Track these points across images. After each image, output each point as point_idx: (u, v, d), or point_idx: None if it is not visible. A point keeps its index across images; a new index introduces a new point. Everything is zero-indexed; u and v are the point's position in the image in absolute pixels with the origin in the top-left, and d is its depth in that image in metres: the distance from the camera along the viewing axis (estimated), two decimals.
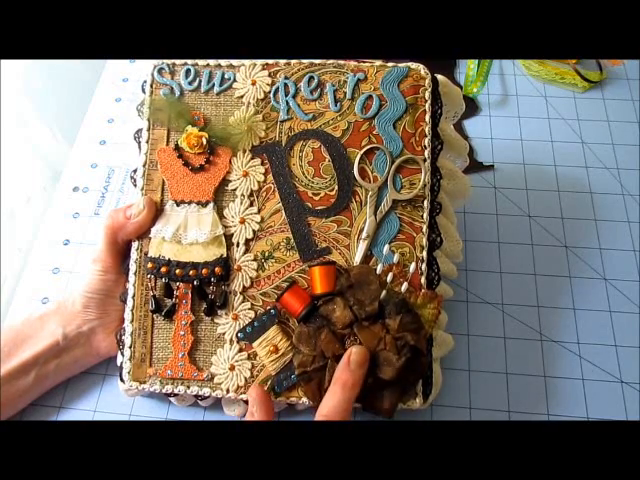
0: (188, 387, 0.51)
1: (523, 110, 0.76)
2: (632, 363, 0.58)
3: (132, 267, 0.52)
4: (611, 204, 0.68)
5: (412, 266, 0.50)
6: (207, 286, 0.51)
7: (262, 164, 0.53)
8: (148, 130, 0.54)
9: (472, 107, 0.75)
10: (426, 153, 0.51)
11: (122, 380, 0.52)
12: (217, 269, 0.51)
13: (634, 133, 0.73)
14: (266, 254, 0.52)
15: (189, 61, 0.54)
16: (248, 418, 0.47)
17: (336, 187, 0.52)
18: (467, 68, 0.79)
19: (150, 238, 0.53)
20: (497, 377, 0.58)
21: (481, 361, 0.58)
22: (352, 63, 0.53)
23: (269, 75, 0.54)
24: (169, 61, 0.55)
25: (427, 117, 0.52)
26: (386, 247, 0.50)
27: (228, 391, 0.50)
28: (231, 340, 0.51)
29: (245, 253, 0.52)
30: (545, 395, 0.56)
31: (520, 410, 0.56)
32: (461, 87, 0.78)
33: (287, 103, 0.53)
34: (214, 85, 0.54)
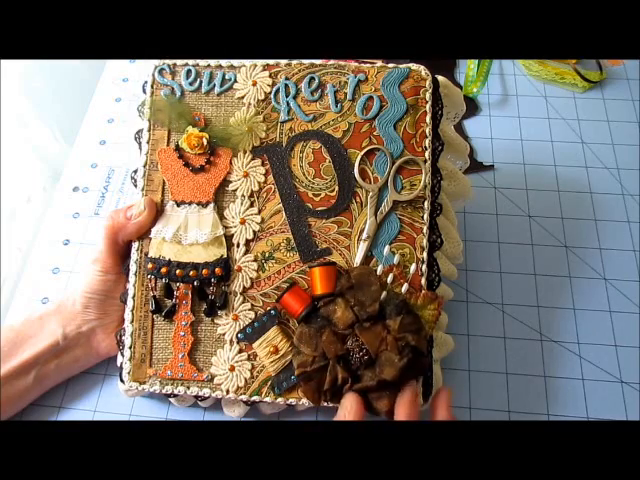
0: (188, 388, 0.51)
1: (523, 110, 0.76)
2: (632, 363, 0.58)
3: (132, 267, 0.52)
4: (611, 204, 0.68)
5: (412, 267, 0.50)
6: (207, 287, 0.51)
7: (263, 165, 0.53)
8: (149, 131, 0.54)
9: (472, 107, 0.76)
10: (427, 154, 0.51)
11: (122, 380, 0.52)
12: (217, 270, 0.51)
13: (634, 133, 0.73)
14: (266, 255, 0.52)
15: (190, 62, 0.54)
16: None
17: (336, 188, 0.52)
18: (467, 68, 0.79)
19: (150, 238, 0.53)
20: (497, 377, 0.58)
21: (481, 361, 0.59)
22: (353, 64, 0.53)
23: (270, 76, 0.54)
24: (170, 62, 0.54)
25: (428, 118, 0.52)
26: (386, 248, 0.50)
27: (228, 392, 0.50)
28: (231, 341, 0.51)
29: (245, 254, 0.52)
30: (545, 395, 0.57)
31: (520, 410, 0.56)
32: (461, 87, 0.78)
33: (288, 104, 0.53)
34: (215, 86, 0.54)
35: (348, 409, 0.46)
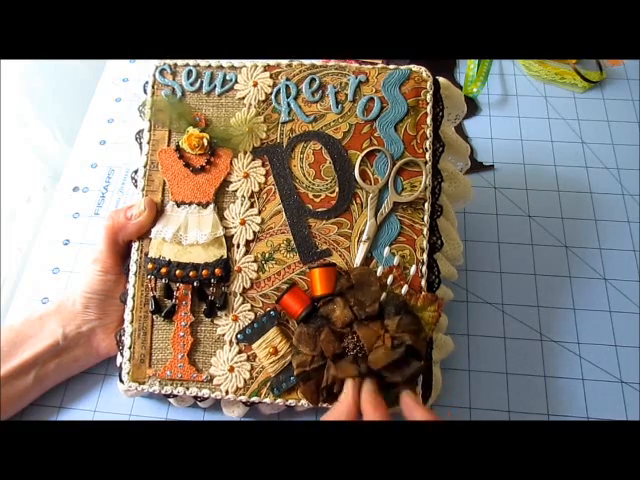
0: (187, 388, 0.51)
1: (523, 110, 0.76)
2: (632, 363, 0.58)
3: (132, 268, 0.53)
4: (611, 204, 0.68)
5: (412, 269, 0.50)
6: (207, 287, 0.51)
7: (263, 165, 0.53)
8: (149, 131, 0.54)
9: (472, 107, 0.75)
10: (427, 156, 0.51)
11: (121, 381, 0.52)
12: (217, 270, 0.51)
13: (634, 133, 0.73)
14: (266, 255, 0.52)
15: (191, 62, 0.54)
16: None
17: (337, 189, 0.52)
18: (467, 68, 0.79)
19: (150, 239, 0.53)
20: (497, 377, 0.58)
21: (481, 361, 0.59)
22: (354, 65, 0.53)
23: (270, 77, 0.54)
24: (171, 62, 0.54)
25: (428, 120, 0.51)
26: (386, 249, 0.50)
27: (227, 392, 0.50)
28: (231, 341, 0.51)
29: (245, 254, 0.52)
30: (545, 395, 0.57)
31: (520, 410, 0.56)
32: (461, 87, 0.78)
33: (288, 105, 0.53)
34: (215, 86, 0.54)
35: (346, 391, 0.46)
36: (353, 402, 0.45)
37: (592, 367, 0.58)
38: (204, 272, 0.51)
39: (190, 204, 0.53)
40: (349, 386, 0.46)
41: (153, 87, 0.55)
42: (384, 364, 0.46)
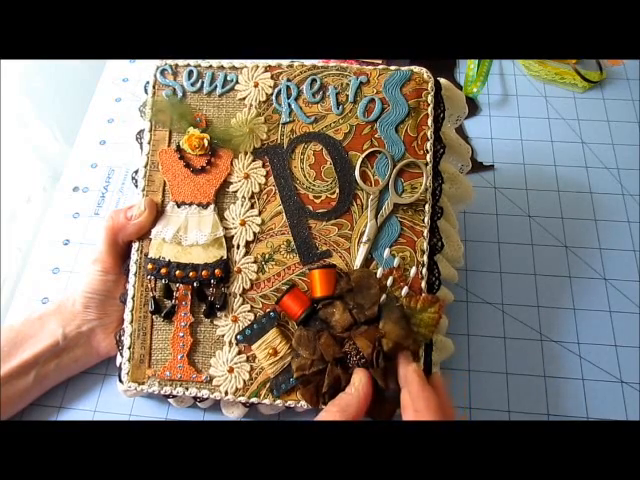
0: (187, 389, 0.51)
1: (523, 110, 0.76)
2: (632, 363, 0.58)
3: (132, 268, 0.52)
4: (611, 204, 0.68)
5: (413, 270, 0.49)
6: (207, 288, 0.51)
7: (263, 166, 0.53)
8: (150, 131, 0.54)
9: (472, 107, 0.75)
10: (428, 157, 0.51)
11: (121, 381, 0.52)
12: (217, 271, 0.51)
13: (634, 133, 0.73)
14: (266, 256, 0.52)
15: (192, 62, 0.54)
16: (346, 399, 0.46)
17: (337, 190, 0.52)
18: (467, 68, 0.79)
19: (150, 239, 0.53)
20: (497, 377, 0.58)
21: (481, 361, 0.59)
22: (355, 66, 0.53)
23: (271, 77, 0.53)
24: (172, 62, 0.54)
25: (429, 121, 0.51)
26: (387, 251, 0.50)
27: (227, 393, 0.50)
28: (230, 342, 0.51)
29: (245, 255, 0.52)
30: (545, 395, 0.57)
31: (520, 410, 0.56)
32: (461, 87, 0.78)
33: (289, 105, 0.53)
34: (216, 87, 0.54)
35: (356, 384, 0.46)
36: (364, 395, 0.45)
37: (592, 367, 0.58)
38: (204, 273, 0.51)
39: (190, 205, 0.53)
40: (362, 376, 0.46)
41: (154, 87, 0.54)
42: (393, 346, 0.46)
